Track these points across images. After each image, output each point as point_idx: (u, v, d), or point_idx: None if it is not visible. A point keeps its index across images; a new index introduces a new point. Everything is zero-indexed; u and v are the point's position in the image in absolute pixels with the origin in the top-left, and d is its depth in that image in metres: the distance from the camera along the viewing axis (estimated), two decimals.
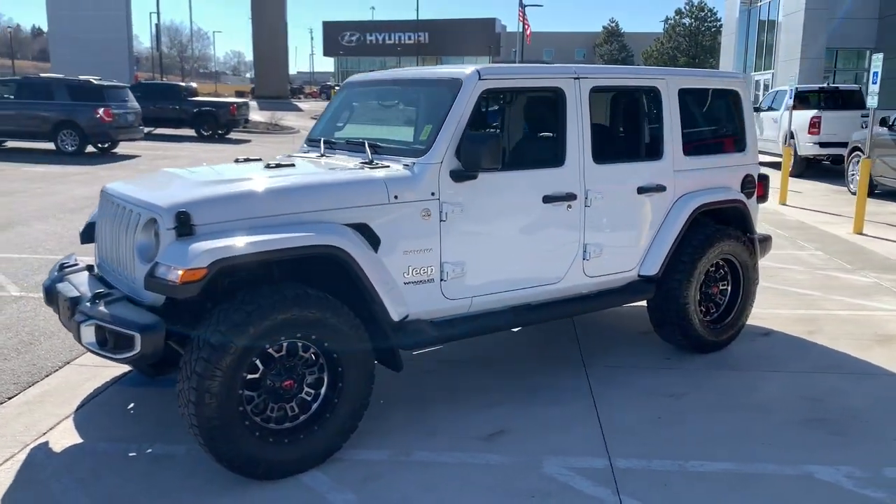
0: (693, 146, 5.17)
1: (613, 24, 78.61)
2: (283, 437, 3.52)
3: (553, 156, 4.50)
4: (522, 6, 58.18)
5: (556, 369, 4.95)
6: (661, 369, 5.00)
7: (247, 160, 4.72)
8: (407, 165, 4.04)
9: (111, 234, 3.92)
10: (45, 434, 3.95)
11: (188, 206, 3.43)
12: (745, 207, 5.35)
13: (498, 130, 4.26)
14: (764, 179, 5.61)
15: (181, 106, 25.82)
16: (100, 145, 19.70)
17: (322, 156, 4.66)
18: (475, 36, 74.04)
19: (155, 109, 24.50)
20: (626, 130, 5.19)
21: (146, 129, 21.72)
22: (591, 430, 4.06)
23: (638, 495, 3.40)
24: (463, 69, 4.27)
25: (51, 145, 18.66)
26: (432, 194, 3.99)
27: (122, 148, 20.34)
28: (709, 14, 65.13)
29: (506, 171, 4.22)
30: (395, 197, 3.89)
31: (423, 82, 4.66)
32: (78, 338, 3.48)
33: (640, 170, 4.87)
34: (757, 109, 18.00)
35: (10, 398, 4.42)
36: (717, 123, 5.53)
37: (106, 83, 19.66)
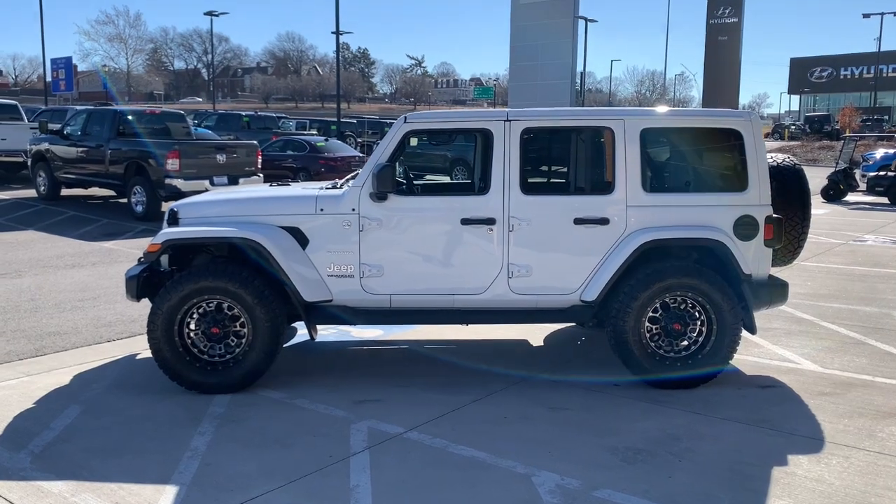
0: (662, 183, 5.32)
1: None
2: (208, 366, 5.19)
3: (476, 185, 5.29)
4: None
5: (513, 380, 5.58)
6: (580, 388, 5.35)
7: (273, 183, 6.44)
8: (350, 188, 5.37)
9: None
10: (107, 358, 6.19)
11: (179, 207, 5.38)
12: (725, 248, 5.20)
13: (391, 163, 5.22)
14: (774, 222, 5.30)
15: None
16: None
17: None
18: None
19: None
20: (566, 166, 5.56)
21: None
22: (432, 412, 4.83)
23: (374, 450, 4.24)
24: (413, 114, 5.40)
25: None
26: (353, 210, 5.25)
27: None
28: None
29: (425, 195, 5.23)
30: (322, 210, 5.27)
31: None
32: None
33: (578, 202, 5.27)
34: None
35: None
36: (705, 162, 5.43)
37: None
